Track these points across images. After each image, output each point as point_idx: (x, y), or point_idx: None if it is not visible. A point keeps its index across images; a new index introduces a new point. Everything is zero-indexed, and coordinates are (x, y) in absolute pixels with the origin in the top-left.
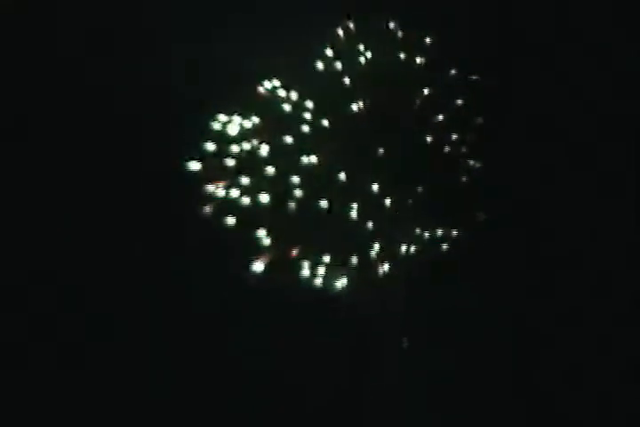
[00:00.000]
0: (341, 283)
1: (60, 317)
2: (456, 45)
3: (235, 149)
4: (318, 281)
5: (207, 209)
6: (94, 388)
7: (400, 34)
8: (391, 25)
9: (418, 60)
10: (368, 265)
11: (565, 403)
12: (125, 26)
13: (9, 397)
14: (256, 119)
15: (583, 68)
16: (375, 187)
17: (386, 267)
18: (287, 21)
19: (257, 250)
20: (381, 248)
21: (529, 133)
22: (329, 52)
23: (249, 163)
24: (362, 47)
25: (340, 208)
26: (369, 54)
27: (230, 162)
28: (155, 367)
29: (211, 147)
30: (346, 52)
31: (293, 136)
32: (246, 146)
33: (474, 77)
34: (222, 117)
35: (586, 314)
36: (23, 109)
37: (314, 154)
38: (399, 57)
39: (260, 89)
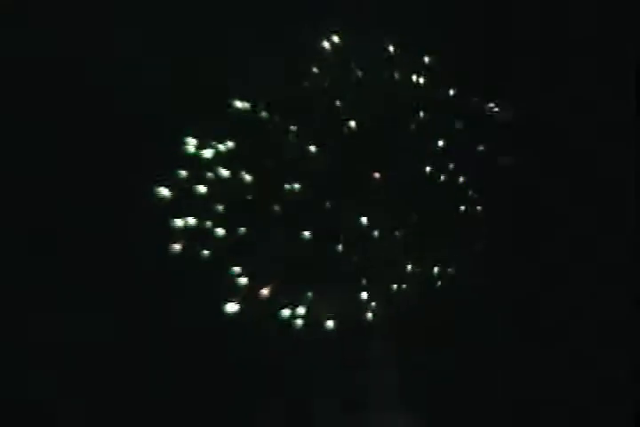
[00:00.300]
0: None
1: None
2: (454, 64)
3: (209, 174)
4: (299, 322)
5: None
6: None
7: (393, 50)
8: (385, 41)
9: (414, 79)
10: (356, 304)
11: (566, 403)
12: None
13: (8, 397)
14: (231, 143)
15: (591, 87)
16: (364, 218)
17: (374, 305)
18: (273, 36)
19: (231, 287)
20: (370, 285)
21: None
22: (316, 70)
23: (224, 189)
24: (352, 65)
25: (325, 240)
26: (360, 73)
27: (203, 188)
28: None
29: (182, 172)
30: (335, 69)
31: (275, 161)
32: (222, 171)
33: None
34: (194, 141)
35: (586, 314)
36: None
37: (297, 181)
38: (393, 76)
39: (239, 108)
